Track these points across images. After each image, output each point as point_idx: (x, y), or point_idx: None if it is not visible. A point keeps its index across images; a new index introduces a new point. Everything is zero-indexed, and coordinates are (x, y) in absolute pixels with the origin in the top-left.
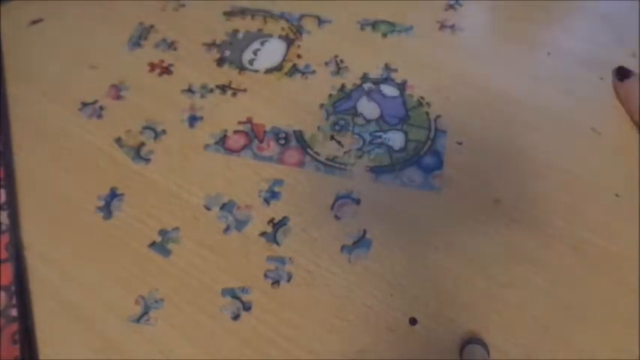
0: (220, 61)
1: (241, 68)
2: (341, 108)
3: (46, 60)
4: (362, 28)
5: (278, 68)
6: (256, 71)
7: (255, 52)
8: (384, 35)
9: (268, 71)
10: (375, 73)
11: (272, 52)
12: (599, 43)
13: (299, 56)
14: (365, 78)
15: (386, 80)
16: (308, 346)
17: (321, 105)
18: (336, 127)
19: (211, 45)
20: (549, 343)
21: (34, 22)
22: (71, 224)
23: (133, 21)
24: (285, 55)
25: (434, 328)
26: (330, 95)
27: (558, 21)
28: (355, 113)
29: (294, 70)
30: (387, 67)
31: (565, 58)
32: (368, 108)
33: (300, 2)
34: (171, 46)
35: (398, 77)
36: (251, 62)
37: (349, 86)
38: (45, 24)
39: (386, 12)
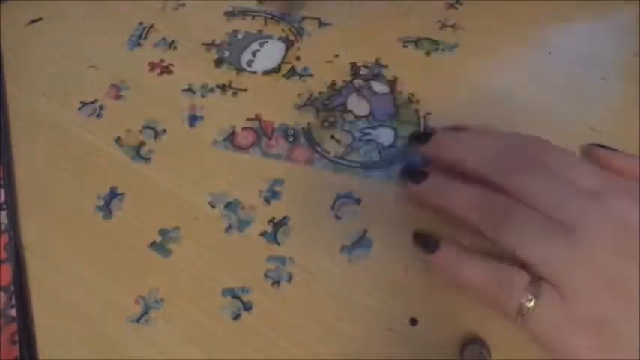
0: (218, 62)
1: (239, 69)
2: (330, 105)
3: (46, 59)
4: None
5: (276, 70)
6: (254, 72)
7: (253, 54)
8: (428, 54)
9: (266, 73)
10: (365, 69)
11: (270, 53)
12: (599, 42)
13: (297, 58)
14: (355, 74)
15: (376, 76)
16: (308, 346)
17: (311, 101)
18: (326, 124)
19: (210, 45)
20: None
21: (34, 21)
22: (71, 224)
23: (132, 21)
24: (284, 57)
25: (434, 328)
26: (320, 92)
27: (559, 20)
28: (345, 110)
29: (292, 72)
30: (377, 63)
31: (565, 57)
32: (358, 105)
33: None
34: (171, 45)
35: (388, 73)
36: (249, 63)
37: (339, 83)
38: (44, 23)
39: None
